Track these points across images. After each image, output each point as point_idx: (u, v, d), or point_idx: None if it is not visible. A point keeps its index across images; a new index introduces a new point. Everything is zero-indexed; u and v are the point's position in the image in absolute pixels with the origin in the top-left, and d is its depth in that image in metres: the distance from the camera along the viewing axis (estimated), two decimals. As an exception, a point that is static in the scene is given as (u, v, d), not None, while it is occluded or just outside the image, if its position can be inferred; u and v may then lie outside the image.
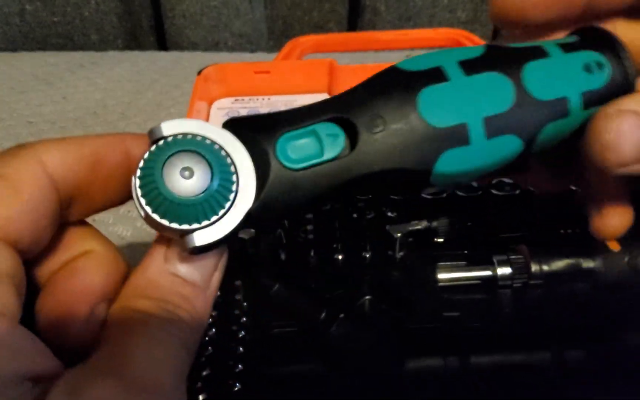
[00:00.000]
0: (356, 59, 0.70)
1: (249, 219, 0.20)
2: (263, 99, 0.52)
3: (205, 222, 0.19)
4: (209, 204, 0.19)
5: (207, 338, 0.30)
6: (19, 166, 0.20)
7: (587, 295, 0.32)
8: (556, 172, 0.30)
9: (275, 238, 0.34)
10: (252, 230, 0.34)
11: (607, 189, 0.28)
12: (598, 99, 0.24)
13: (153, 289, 0.20)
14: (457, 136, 0.22)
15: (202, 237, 0.19)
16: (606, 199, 0.28)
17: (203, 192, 0.19)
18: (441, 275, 0.33)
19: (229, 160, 0.20)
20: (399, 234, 0.33)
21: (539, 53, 0.24)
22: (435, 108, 0.22)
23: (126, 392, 0.17)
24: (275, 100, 0.52)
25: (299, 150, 0.21)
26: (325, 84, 0.53)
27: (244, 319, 0.31)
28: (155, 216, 0.19)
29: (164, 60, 0.74)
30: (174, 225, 0.19)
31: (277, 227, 0.32)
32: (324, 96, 0.53)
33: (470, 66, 0.23)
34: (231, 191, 0.20)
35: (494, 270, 0.32)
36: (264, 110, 0.51)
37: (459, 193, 0.37)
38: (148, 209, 0.19)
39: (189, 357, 0.20)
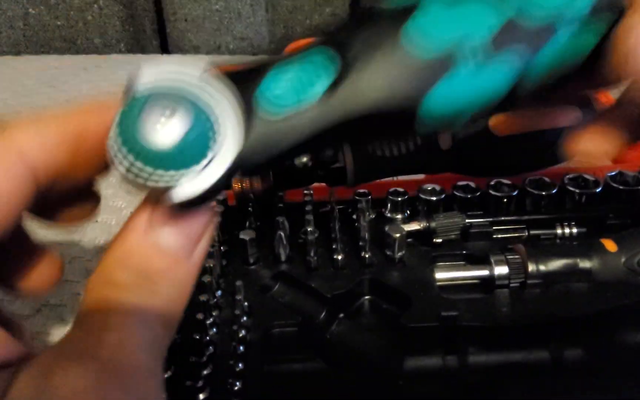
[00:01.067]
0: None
1: (236, 168, 0.19)
2: (265, 101, 0.53)
3: (188, 171, 0.18)
4: (191, 152, 0.18)
5: (208, 338, 0.30)
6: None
7: (584, 295, 0.32)
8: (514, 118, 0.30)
9: (276, 238, 0.35)
10: (253, 232, 0.35)
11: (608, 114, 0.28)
12: (602, 8, 0.23)
13: (132, 259, 0.19)
14: (445, 66, 0.21)
15: (185, 187, 0.18)
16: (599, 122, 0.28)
17: (183, 138, 0.18)
18: (439, 275, 0.33)
19: (211, 107, 0.19)
20: (397, 235, 0.33)
21: None
22: (421, 37, 0.21)
23: (99, 377, 0.17)
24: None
25: (283, 96, 0.20)
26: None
27: (245, 318, 0.31)
28: (138, 164, 0.18)
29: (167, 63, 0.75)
30: (158, 173, 0.18)
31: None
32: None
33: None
34: (214, 139, 0.19)
35: (492, 270, 0.32)
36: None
37: (457, 194, 0.37)
38: (130, 159, 0.18)
39: (169, 333, 0.20)
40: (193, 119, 0.18)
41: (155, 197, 0.19)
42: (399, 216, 0.37)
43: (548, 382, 0.29)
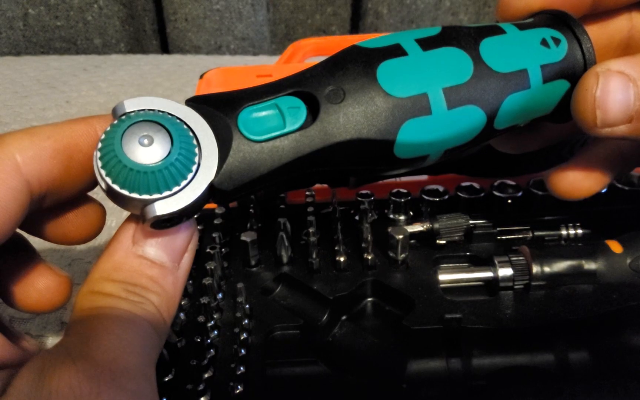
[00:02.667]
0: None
1: (212, 192, 0.20)
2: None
3: (166, 193, 0.19)
4: (170, 174, 0.19)
5: (209, 341, 0.30)
6: None
7: (589, 296, 0.31)
8: (513, 138, 0.30)
9: (278, 240, 0.34)
10: (254, 233, 0.35)
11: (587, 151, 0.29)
12: (558, 73, 0.25)
13: (120, 271, 0.20)
14: (418, 105, 0.23)
15: (163, 206, 0.19)
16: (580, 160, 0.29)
17: (163, 160, 0.19)
18: (443, 277, 0.33)
19: (190, 133, 0.20)
20: (400, 236, 0.33)
21: (495, 30, 0.25)
22: (395, 79, 0.23)
23: (93, 376, 0.18)
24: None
25: (261, 123, 0.21)
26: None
27: (246, 321, 0.31)
28: (115, 186, 0.19)
29: (167, 63, 0.74)
30: (134, 195, 0.19)
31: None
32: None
33: (428, 43, 0.24)
34: (193, 162, 0.20)
35: (496, 272, 0.32)
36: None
37: (461, 195, 0.37)
38: (108, 180, 0.19)
39: (159, 339, 0.20)
40: (171, 146, 0.19)
41: (135, 214, 0.20)
42: (402, 217, 0.37)
43: (553, 385, 0.28)
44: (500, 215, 0.36)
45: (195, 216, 0.22)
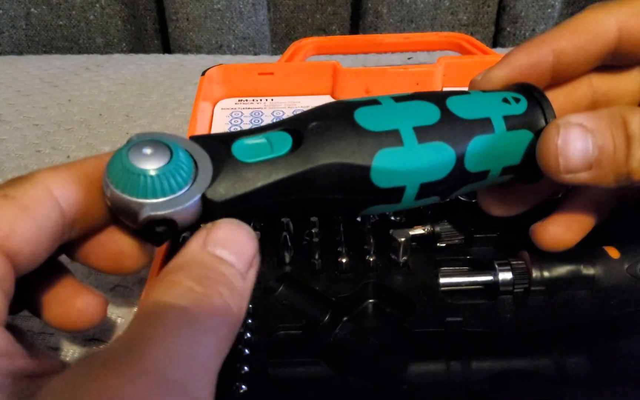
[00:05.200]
0: (358, 62, 0.71)
1: (205, 205, 0.23)
2: (266, 100, 0.53)
3: (161, 198, 0.22)
4: (166, 180, 0.22)
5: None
6: (28, 190, 0.22)
7: (587, 301, 0.32)
8: (502, 200, 0.32)
9: (281, 240, 0.35)
10: (258, 233, 0.35)
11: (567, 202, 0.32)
12: (521, 123, 0.28)
13: (191, 263, 0.21)
14: (391, 138, 0.26)
15: (156, 207, 0.21)
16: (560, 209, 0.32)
17: (161, 167, 0.22)
18: (443, 280, 0.33)
19: (188, 155, 0.23)
20: (402, 239, 0.34)
21: (461, 93, 0.28)
22: (370, 118, 0.26)
23: (144, 385, 0.17)
24: (279, 101, 0.53)
25: (252, 149, 0.25)
26: (329, 86, 0.54)
27: (250, 320, 0.31)
28: (117, 191, 0.22)
29: (168, 63, 0.75)
30: (133, 198, 0.21)
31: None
32: (327, 98, 0.53)
33: (400, 98, 0.28)
34: (188, 175, 0.23)
35: (496, 276, 0.32)
36: (267, 111, 0.51)
37: (462, 198, 0.37)
38: (112, 186, 0.22)
39: (221, 345, 0.19)
40: (170, 158, 0.22)
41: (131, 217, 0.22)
42: (404, 220, 0.38)
43: (554, 389, 0.29)
44: (500, 220, 0.36)
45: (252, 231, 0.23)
